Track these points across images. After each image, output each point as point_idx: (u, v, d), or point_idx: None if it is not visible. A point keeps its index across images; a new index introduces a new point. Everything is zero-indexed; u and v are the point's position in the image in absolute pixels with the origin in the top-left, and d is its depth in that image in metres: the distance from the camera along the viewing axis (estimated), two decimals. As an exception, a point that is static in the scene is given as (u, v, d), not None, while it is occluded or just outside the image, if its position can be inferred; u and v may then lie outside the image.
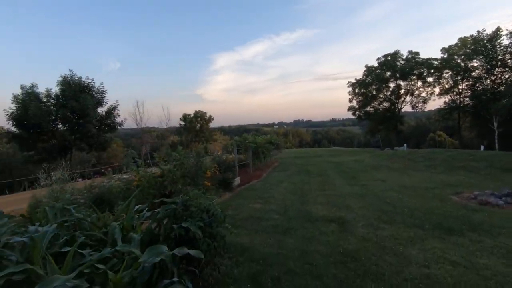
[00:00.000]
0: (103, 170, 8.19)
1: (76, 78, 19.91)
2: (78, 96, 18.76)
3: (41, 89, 19.65)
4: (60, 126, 19.91)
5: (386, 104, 38.03)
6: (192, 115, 53.74)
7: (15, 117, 17.79)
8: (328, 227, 4.80)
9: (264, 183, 10.28)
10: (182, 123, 53.48)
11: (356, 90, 38.89)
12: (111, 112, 21.83)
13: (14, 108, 18.03)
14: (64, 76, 19.50)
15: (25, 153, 19.76)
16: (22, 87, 18.83)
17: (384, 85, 36.79)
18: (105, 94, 21.20)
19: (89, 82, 20.52)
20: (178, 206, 3.11)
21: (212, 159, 10.67)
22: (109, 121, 21.84)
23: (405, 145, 32.53)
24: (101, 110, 21.64)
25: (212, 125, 60.87)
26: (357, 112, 39.47)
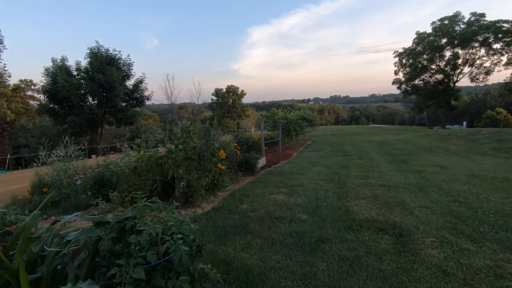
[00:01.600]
0: (118, 146, 7.24)
1: (103, 50, 19.41)
2: (104, 69, 18.32)
3: (71, 63, 19.57)
4: (89, 99, 19.87)
5: (438, 76, 33.43)
6: (224, 90, 52.71)
7: (46, 90, 17.93)
8: (379, 241, 3.26)
9: (294, 165, 8.79)
10: (214, 98, 52.82)
11: (404, 61, 34.55)
12: (138, 85, 21.30)
13: (45, 81, 18.16)
14: (91, 48, 19.10)
15: (59, 127, 20.20)
16: (53, 60, 18.81)
17: (438, 54, 32.09)
18: (132, 66, 20.63)
19: (115, 54, 19.97)
20: (107, 234, 1.77)
21: (234, 136, 9.37)
22: (136, 95, 21.40)
23: (464, 123, 28.57)
24: (129, 83, 21.20)
25: (246, 100, 59.65)
26: (403, 86, 35.37)
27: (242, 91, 53.63)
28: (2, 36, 15.05)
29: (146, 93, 21.53)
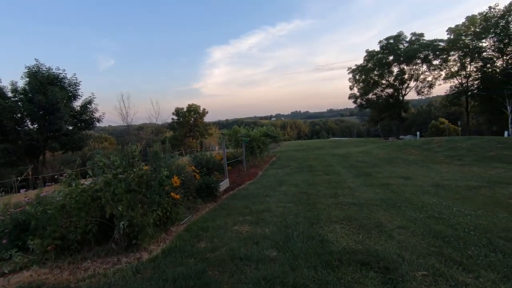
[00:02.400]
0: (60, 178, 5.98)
1: (44, 69, 17.52)
2: (46, 89, 16.44)
3: (5, 83, 17.34)
4: (28, 123, 17.64)
5: (389, 91, 35.86)
6: (185, 109, 51.40)
7: (-28, 115, 15.52)
8: (364, 282, 2.70)
9: (259, 186, 8.17)
10: (175, 117, 51.18)
11: (357, 77, 36.63)
12: (86, 106, 19.49)
13: (-28, 104, 15.75)
14: (29, 67, 17.12)
15: (-11, 156, 17.55)
16: (-17, 81, 16.50)
17: (386, 70, 34.54)
18: (78, 86, 18.87)
19: (59, 73, 18.15)
20: None
21: (192, 158, 8.53)
22: (85, 117, 19.53)
23: (418, 133, 30.48)
24: (76, 104, 19.32)
25: (209, 119, 58.77)
26: (358, 100, 37.29)
27: (204, 109, 52.74)
28: None
29: (97, 115, 19.81)
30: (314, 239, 3.80)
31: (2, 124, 15.54)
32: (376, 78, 34.93)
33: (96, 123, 19.99)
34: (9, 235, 4.55)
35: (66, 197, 4.12)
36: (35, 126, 17.63)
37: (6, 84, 17.28)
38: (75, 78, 18.63)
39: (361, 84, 35.98)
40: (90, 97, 19.46)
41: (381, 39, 35.44)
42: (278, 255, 3.36)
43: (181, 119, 50.78)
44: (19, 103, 17.10)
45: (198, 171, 7.23)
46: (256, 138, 13.79)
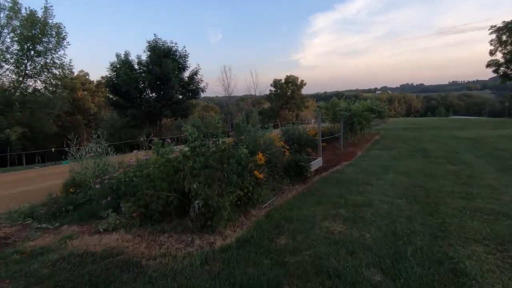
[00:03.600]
0: (167, 141, 6.35)
1: (160, 43, 19.61)
2: (161, 61, 18.46)
3: (134, 57, 20.33)
4: (148, 92, 20.43)
5: (554, 55, 26.22)
6: (283, 81, 50.98)
7: (109, 84, 18.88)
8: None
9: (358, 170, 6.93)
10: (273, 89, 51.51)
11: (504, 38, 27.98)
12: (193, 77, 21.15)
13: (109, 75, 19.14)
14: (149, 42, 19.46)
15: (123, 119, 21.32)
16: (117, 55, 19.75)
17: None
18: (187, 58, 20.51)
19: (172, 47, 20.03)
20: None
21: (283, 132, 7.85)
22: (192, 87, 21.30)
23: None
24: (185, 75, 21.18)
25: (307, 91, 57.15)
26: (502, 69, 28.81)
27: (302, 81, 51.10)
28: (66, 33, 16.22)
29: (202, 85, 21.38)
30: (442, 265, 2.59)
31: (130, 92, 18.47)
32: (534, 38, 25.86)
33: (201, 92, 21.71)
34: (113, 193, 4.95)
35: (151, 166, 4.07)
36: (154, 95, 20.34)
37: (134, 58, 20.28)
38: (184, 51, 20.38)
39: (509, 47, 27.35)
40: (196, 68, 21.08)
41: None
42: (384, 282, 2.37)
43: (278, 90, 50.78)
44: (143, 74, 19.86)
45: (288, 147, 6.52)
46: (357, 113, 12.05)
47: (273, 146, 5.48)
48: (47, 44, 15.17)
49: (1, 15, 13.81)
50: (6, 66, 14.62)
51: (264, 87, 52.85)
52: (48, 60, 15.56)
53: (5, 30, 13.99)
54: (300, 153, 6.89)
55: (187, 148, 3.76)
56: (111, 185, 4.38)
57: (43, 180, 8.82)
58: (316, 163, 7.28)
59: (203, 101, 68.15)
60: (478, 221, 3.61)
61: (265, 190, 4.49)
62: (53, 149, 6.16)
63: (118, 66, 18.98)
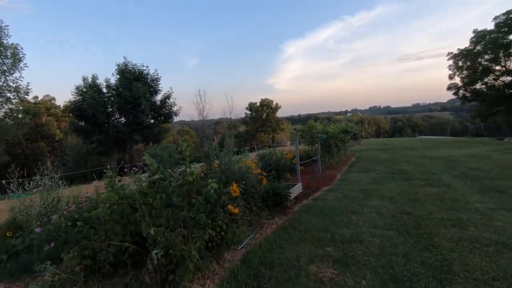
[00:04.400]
0: (132, 170, 5.57)
1: (131, 66, 18.95)
2: (131, 85, 17.73)
3: (102, 80, 19.41)
4: (117, 117, 19.41)
5: (506, 79, 28.60)
6: (258, 104, 51.52)
7: (74, 109, 17.72)
8: None
9: (340, 196, 6.52)
10: (248, 112, 51.77)
11: (460, 63, 30.26)
12: (165, 100, 20.50)
13: (74, 99, 18.02)
14: (119, 65, 18.73)
15: (88, 145, 19.95)
16: (84, 79, 18.74)
17: (503, 54, 27.52)
18: (159, 81, 19.92)
19: (143, 70, 19.42)
20: None
21: (259, 158, 7.36)
22: (164, 110, 20.58)
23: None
24: (157, 99, 20.48)
25: (281, 114, 57.97)
26: (461, 91, 30.89)
27: (277, 104, 51.93)
28: (24, 54, 15.20)
29: (175, 109, 20.72)
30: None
31: (96, 117, 17.38)
32: (487, 63, 28.15)
33: (174, 116, 20.98)
34: (54, 241, 4.07)
35: (101, 204, 3.35)
36: (123, 119, 19.31)
37: (102, 81, 19.34)
38: (156, 74, 19.80)
39: (465, 72, 29.47)
40: (168, 91, 20.49)
41: (498, 14, 28.34)
42: None
43: (254, 113, 51.07)
44: (111, 98, 18.91)
45: (265, 174, 6.00)
46: (334, 135, 11.93)
47: (250, 174, 4.93)
48: (1, 66, 14.01)
49: None
50: (-49, 90, 13.21)
51: (240, 111, 52.95)
52: (1, 83, 14.33)
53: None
54: (279, 180, 6.40)
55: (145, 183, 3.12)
56: (49, 231, 3.57)
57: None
58: (296, 190, 6.80)
59: (178, 125, 66.84)
60: (480, 255, 3.23)
61: (241, 228, 3.88)
62: (4, 181, 5.17)
63: (84, 89, 17.95)
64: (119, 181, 3.55)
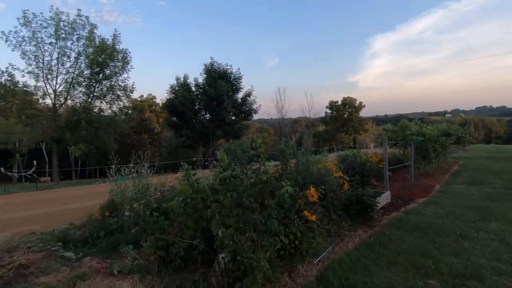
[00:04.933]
0: (213, 163, 5.81)
1: (216, 66, 20.22)
2: (216, 83, 18.89)
3: (191, 80, 21.32)
4: (203, 114, 20.98)
5: None
6: (339, 103, 48.93)
7: (168, 105, 19.87)
8: None
9: (442, 211, 5.35)
10: (329, 111, 49.67)
11: None
12: (246, 98, 21.21)
13: (168, 97, 20.24)
14: (206, 65, 20.22)
15: (178, 139, 22.17)
16: (177, 78, 20.89)
17: None
18: (241, 79, 20.74)
19: (227, 69, 20.50)
20: None
21: (341, 160, 6.64)
22: (245, 108, 21.32)
23: None
24: (238, 96, 21.37)
25: (366, 114, 53.94)
26: None
27: (360, 103, 48.35)
28: (131, 57, 17.70)
29: (254, 106, 21.28)
30: None
31: (186, 113, 19.17)
32: None
33: (254, 114, 21.60)
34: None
35: (176, 197, 3.36)
36: (207, 116, 20.80)
37: (192, 80, 21.22)
38: (239, 73, 20.73)
39: None
40: (249, 89, 21.15)
41: None
42: None
43: (334, 112, 48.74)
44: (199, 96, 20.56)
45: (347, 178, 5.32)
46: (432, 138, 10.14)
47: (330, 177, 4.38)
48: (114, 68, 16.71)
49: (79, 44, 15.76)
50: (80, 89, 16.42)
51: (319, 109, 51.29)
52: (113, 83, 17.09)
53: (81, 57, 15.84)
54: (362, 186, 5.62)
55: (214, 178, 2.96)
56: (131, 217, 3.78)
57: (95, 198, 8.97)
58: (383, 199, 5.88)
59: (257, 123, 68.91)
60: None
61: (318, 238, 3.40)
62: (113, 166, 6.26)
63: (177, 88, 20.04)
64: (194, 174, 3.52)
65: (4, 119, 14.88)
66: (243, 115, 21.55)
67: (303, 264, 3.15)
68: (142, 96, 46.12)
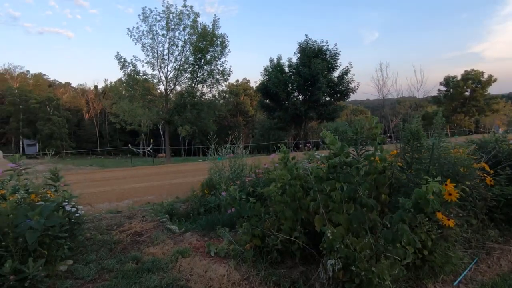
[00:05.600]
0: (306, 146, 5.53)
1: (311, 43, 19.10)
2: (310, 62, 17.92)
3: (285, 60, 20.90)
4: (296, 95, 20.42)
5: None
6: (459, 78, 40.55)
7: (261, 88, 20.05)
8: None
9: None
10: (443, 88, 41.93)
11: None
12: (343, 76, 19.44)
13: (262, 79, 20.41)
14: (300, 43, 19.32)
15: (270, 121, 22.35)
16: (270, 60, 20.81)
17: None
18: (338, 56, 19.02)
19: (322, 46, 19.11)
20: None
21: (478, 147, 5.10)
22: (341, 87, 19.65)
23: None
24: (334, 75, 19.81)
25: (494, 91, 43.33)
26: None
27: (490, 76, 38.80)
28: (228, 41, 18.24)
29: (352, 85, 19.38)
30: None
31: (278, 95, 19.00)
32: None
33: (351, 93, 19.74)
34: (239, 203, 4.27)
35: (272, 182, 3.00)
36: (300, 97, 20.15)
37: (285, 61, 20.82)
38: (335, 49, 19.05)
39: None
40: (347, 66, 19.30)
41: None
42: None
43: (451, 90, 40.76)
44: (292, 76, 20.04)
45: (491, 171, 3.97)
46: None
47: (470, 171, 3.27)
48: (213, 53, 17.74)
49: (185, 33, 17.34)
50: (185, 75, 18.18)
51: (430, 87, 43.80)
52: (212, 67, 18.21)
53: (186, 45, 17.44)
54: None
55: (319, 164, 2.45)
56: (227, 200, 3.64)
57: (198, 174, 9.77)
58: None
59: (351, 105, 64.29)
60: None
61: (456, 250, 2.53)
62: (212, 146, 6.77)
63: (270, 70, 20.00)
64: (292, 158, 3.10)
65: (130, 104, 18.00)
66: (338, 95, 19.99)
67: (435, 283, 2.37)
68: (237, 80, 48.74)
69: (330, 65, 19.20)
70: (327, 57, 19.17)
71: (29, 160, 24.68)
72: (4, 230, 2.60)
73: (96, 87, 52.03)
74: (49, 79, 55.78)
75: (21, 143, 36.96)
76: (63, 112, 40.54)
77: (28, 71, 52.26)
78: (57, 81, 58.83)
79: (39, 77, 52.71)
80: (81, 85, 57.26)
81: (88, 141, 44.47)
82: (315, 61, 17.81)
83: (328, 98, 20.04)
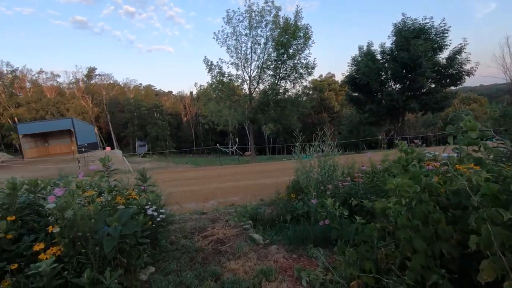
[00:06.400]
0: (396, 141, 4.47)
1: (409, 23, 16.13)
2: (409, 44, 15.17)
3: (377, 46, 18.49)
4: (391, 84, 17.73)
5: None
6: None
7: (349, 80, 18.15)
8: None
9: None
10: None
11: None
12: (455, 57, 15.73)
13: (349, 71, 18.46)
14: (395, 24, 16.54)
15: (361, 115, 20.13)
16: (359, 48, 18.67)
17: None
18: (446, 34, 15.46)
19: (425, 24, 15.87)
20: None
21: None
22: (452, 71, 15.97)
23: None
24: (441, 57, 16.31)
25: None
26: None
27: None
28: (312, 32, 16.93)
29: (467, 67, 15.43)
30: None
31: (369, 86, 16.76)
32: None
33: (466, 77, 15.77)
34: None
35: (390, 197, 2.09)
36: (397, 86, 17.40)
37: (377, 48, 18.40)
38: (443, 24, 15.44)
39: None
40: (460, 44, 15.43)
41: None
42: None
43: None
44: (385, 64, 17.52)
45: None
46: None
47: None
48: (296, 47, 16.86)
49: (267, 29, 17.05)
50: (268, 72, 17.91)
51: None
52: (295, 61, 17.35)
53: (269, 42, 17.12)
54: None
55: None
56: (318, 213, 2.88)
57: (282, 174, 9.23)
58: None
59: (461, 92, 53.85)
60: None
61: None
62: (297, 144, 6.27)
63: (359, 59, 17.92)
64: (419, 160, 2.13)
65: (217, 105, 18.88)
66: (448, 80, 16.25)
67: None
68: (321, 75, 46.71)
69: (436, 45, 15.75)
70: (431, 36, 15.82)
71: (140, 158, 29.13)
72: (87, 235, 2.48)
73: (191, 93, 58.00)
74: (155, 89, 65.19)
75: (135, 144, 44.22)
76: (166, 117, 46.86)
77: (140, 83, 62.55)
78: (162, 90, 68.32)
79: (148, 88, 62.22)
80: (179, 92, 65.02)
81: (186, 141, 50.00)
82: (416, 42, 14.83)
83: (433, 85, 16.65)
